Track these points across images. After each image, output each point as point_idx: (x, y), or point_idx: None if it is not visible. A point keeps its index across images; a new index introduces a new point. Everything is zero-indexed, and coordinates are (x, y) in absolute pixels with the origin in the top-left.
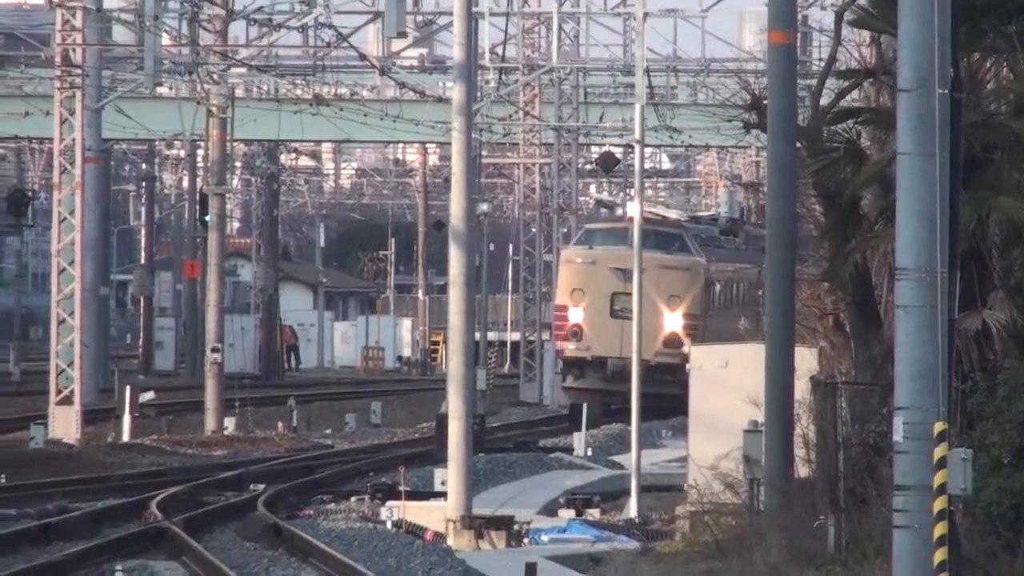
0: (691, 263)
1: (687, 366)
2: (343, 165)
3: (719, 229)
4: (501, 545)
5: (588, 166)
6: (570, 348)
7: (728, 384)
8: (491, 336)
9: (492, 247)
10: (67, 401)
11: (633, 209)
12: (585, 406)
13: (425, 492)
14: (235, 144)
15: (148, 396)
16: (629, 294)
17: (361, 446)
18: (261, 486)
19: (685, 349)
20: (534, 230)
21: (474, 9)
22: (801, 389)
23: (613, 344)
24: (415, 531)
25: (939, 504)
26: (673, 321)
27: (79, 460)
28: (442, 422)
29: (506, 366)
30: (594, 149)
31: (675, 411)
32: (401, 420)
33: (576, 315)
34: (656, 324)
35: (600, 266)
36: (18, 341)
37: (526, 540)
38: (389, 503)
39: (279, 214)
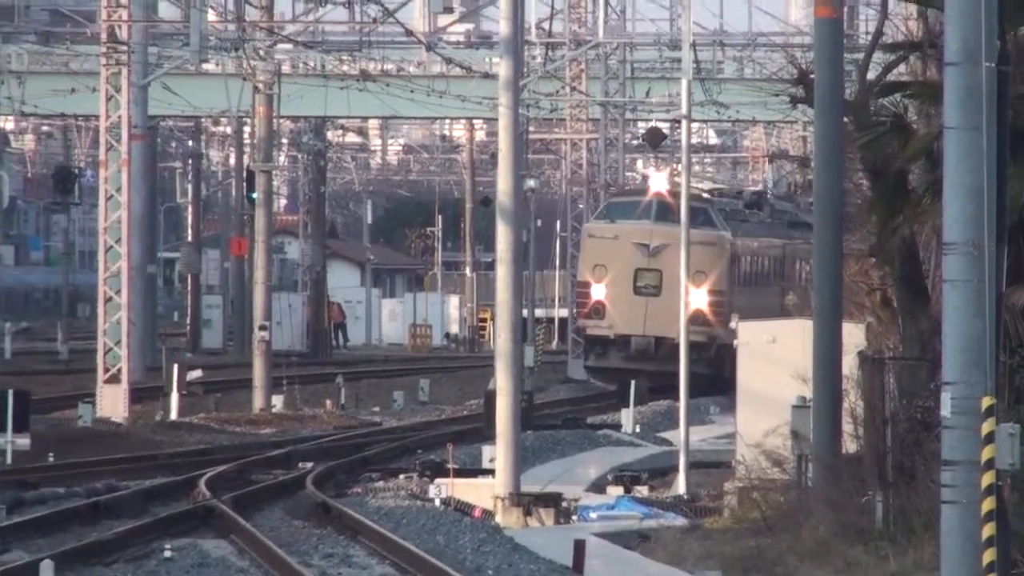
0: (716, 238)
1: (734, 343)
2: (390, 141)
3: (743, 203)
4: (549, 522)
5: (635, 141)
6: (592, 326)
7: (776, 360)
8: (539, 313)
9: (539, 223)
10: (115, 379)
11: (658, 182)
12: (633, 384)
13: (473, 469)
14: (281, 121)
15: (196, 374)
16: (653, 270)
17: (409, 423)
18: (309, 464)
19: (712, 327)
20: (581, 206)
21: None
22: (849, 364)
23: (636, 322)
24: (463, 509)
25: (987, 479)
26: (698, 298)
27: (127, 439)
28: (490, 399)
29: (554, 343)
30: (641, 124)
31: (702, 391)
32: (449, 397)
33: (598, 292)
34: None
35: (623, 241)
36: (65, 319)
37: (574, 517)
38: (437, 481)
39: (326, 191)
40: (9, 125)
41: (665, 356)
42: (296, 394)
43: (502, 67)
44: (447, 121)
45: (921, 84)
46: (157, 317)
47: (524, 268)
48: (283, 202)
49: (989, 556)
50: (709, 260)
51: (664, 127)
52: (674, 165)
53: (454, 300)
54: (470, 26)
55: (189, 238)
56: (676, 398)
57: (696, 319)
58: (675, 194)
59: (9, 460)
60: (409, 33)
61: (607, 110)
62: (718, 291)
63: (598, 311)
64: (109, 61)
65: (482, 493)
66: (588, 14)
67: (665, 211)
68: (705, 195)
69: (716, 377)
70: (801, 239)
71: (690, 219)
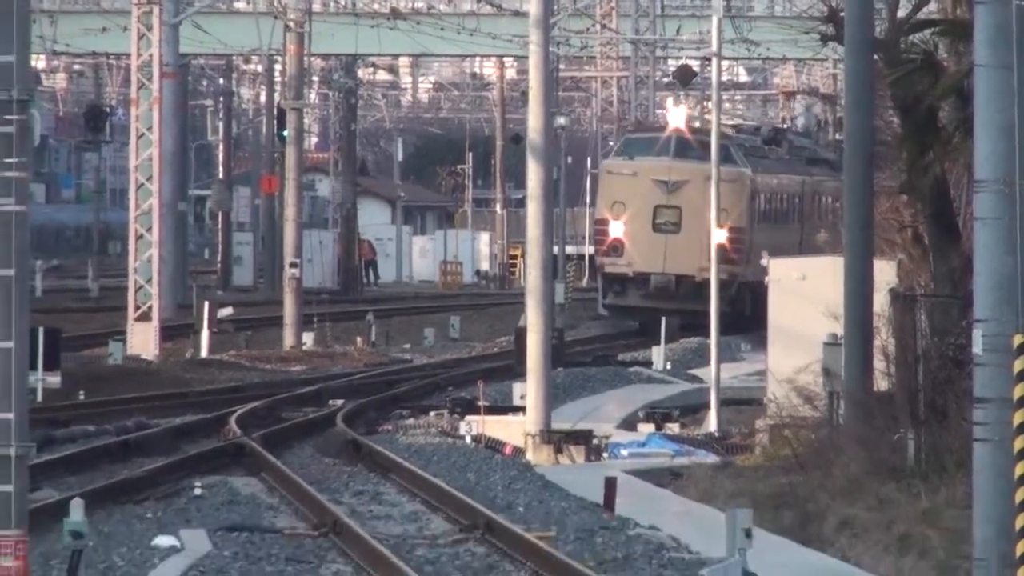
0: (736, 175)
1: (765, 279)
2: (420, 79)
3: (761, 139)
4: (580, 459)
5: (665, 79)
6: (610, 264)
7: (807, 297)
8: (569, 250)
9: (570, 160)
10: (145, 317)
11: (677, 117)
12: (664, 320)
13: (504, 407)
14: (312, 59)
15: (226, 312)
16: (673, 207)
17: (440, 361)
18: (340, 401)
19: (733, 264)
20: (611, 143)
21: None
22: (880, 302)
23: (656, 260)
24: (494, 446)
25: (1019, 417)
26: (719, 235)
27: (157, 376)
28: (520, 336)
29: (584, 280)
30: (671, 62)
31: (724, 330)
32: (479, 334)
33: (616, 229)
34: (703, 238)
35: (641, 178)
36: (96, 257)
37: (605, 454)
38: (468, 418)
39: (357, 129)
40: (40, 64)
41: (685, 294)
42: (327, 331)
43: (532, 5)
44: (477, 59)
45: (951, 22)
46: (188, 255)
47: (555, 205)
48: (314, 140)
49: (1021, 494)
50: (729, 197)
51: (694, 65)
52: (704, 102)
53: (484, 237)
54: None
55: (220, 176)
56: (701, 335)
57: (717, 257)
58: (694, 129)
59: (40, 398)
60: None
61: (637, 48)
62: (739, 228)
63: (616, 248)
64: (140, 0)
65: (513, 430)
66: None
67: (684, 147)
68: (725, 131)
69: (738, 316)
70: (821, 175)
71: (709, 154)
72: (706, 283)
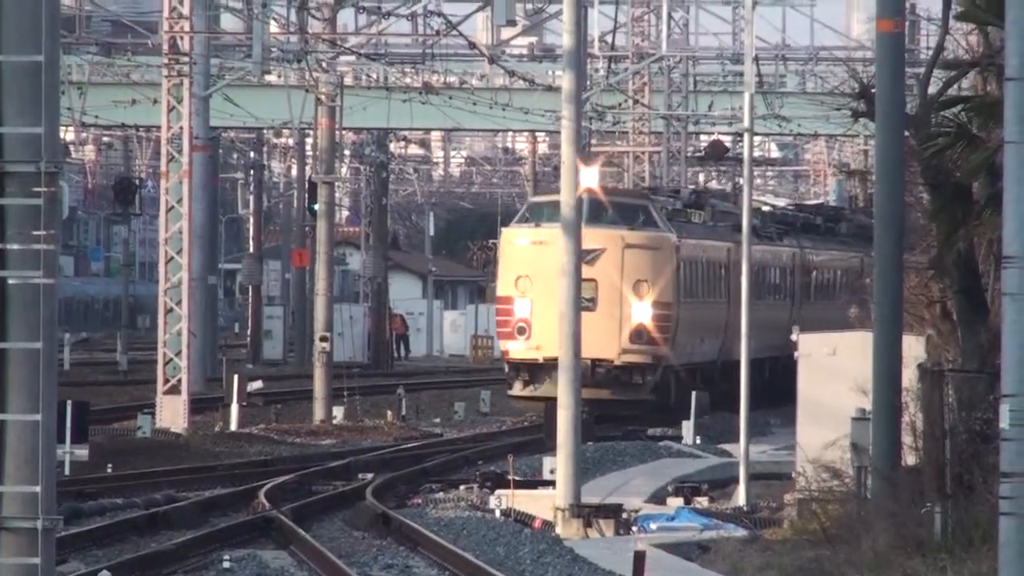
0: (661, 240)
1: (795, 354)
2: (452, 153)
3: (682, 202)
4: (609, 533)
5: (697, 154)
6: (517, 348)
7: (836, 372)
8: None
9: None
10: (175, 390)
11: (589, 177)
12: (694, 395)
13: (534, 481)
14: (344, 132)
15: (256, 385)
16: (588, 280)
17: (470, 435)
18: (370, 475)
19: (657, 345)
20: None
21: None
22: (909, 377)
23: None
24: (524, 520)
25: None
26: (641, 311)
27: (187, 449)
28: (551, 411)
29: None
30: (703, 137)
31: (643, 420)
32: (510, 409)
33: (523, 308)
34: (620, 315)
35: (551, 248)
36: (125, 330)
37: (634, 528)
38: (498, 492)
39: (388, 202)
40: (70, 136)
41: (603, 381)
42: (357, 405)
43: (565, 80)
44: (510, 133)
45: (981, 99)
46: (218, 328)
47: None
48: (345, 214)
49: None
50: (653, 266)
51: (726, 140)
52: (736, 178)
53: None
54: (533, 39)
55: (251, 249)
56: (622, 429)
57: (639, 337)
58: (608, 190)
59: (68, 471)
60: (472, 46)
61: (670, 123)
62: (664, 303)
63: (523, 330)
64: (171, 72)
65: (542, 504)
66: (651, 27)
67: (598, 210)
68: (643, 191)
69: (661, 405)
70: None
71: (629, 218)
72: (626, 368)
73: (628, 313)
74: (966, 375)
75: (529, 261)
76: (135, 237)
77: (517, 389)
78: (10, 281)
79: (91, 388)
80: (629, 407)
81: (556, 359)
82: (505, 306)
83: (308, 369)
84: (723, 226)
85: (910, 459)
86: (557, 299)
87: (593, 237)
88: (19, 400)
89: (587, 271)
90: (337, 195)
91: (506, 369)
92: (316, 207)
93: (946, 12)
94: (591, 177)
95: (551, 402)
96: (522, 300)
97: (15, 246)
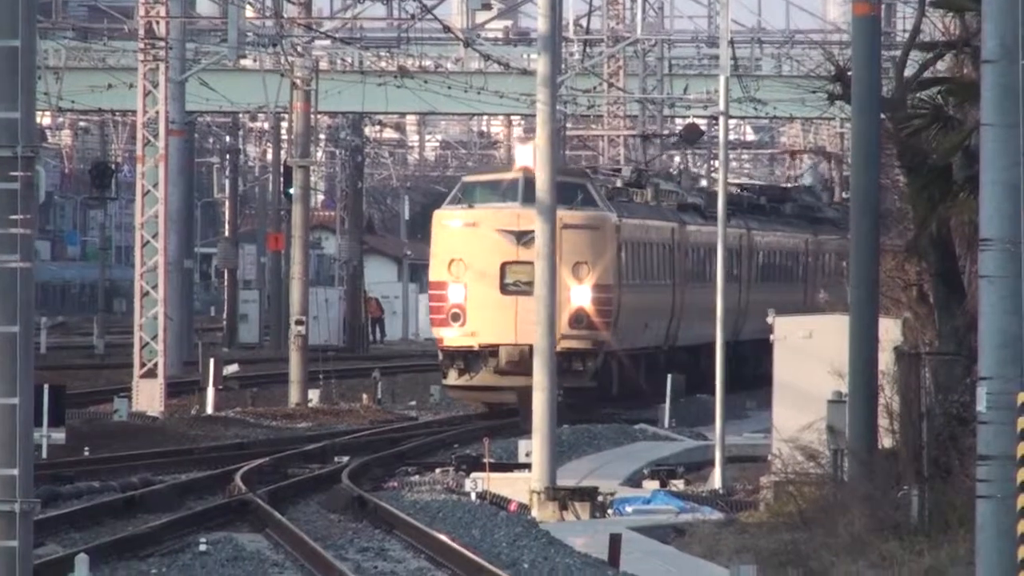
0: (600, 220)
1: (770, 337)
2: (427, 137)
3: (622, 180)
4: (585, 516)
5: (672, 138)
6: (451, 336)
7: (812, 355)
8: None
9: None
10: (151, 374)
11: (524, 155)
12: (670, 378)
13: (509, 463)
14: (319, 116)
15: (232, 369)
16: (524, 263)
17: (445, 417)
18: (345, 458)
19: (597, 330)
20: None
21: None
22: (885, 360)
23: (506, 329)
24: (499, 502)
25: (1022, 475)
26: (580, 295)
27: (163, 433)
28: (526, 394)
29: None
30: (678, 121)
31: (583, 410)
32: None
33: (456, 293)
34: (558, 299)
35: (485, 229)
36: (102, 314)
37: (610, 511)
38: (473, 475)
39: (363, 186)
40: (46, 120)
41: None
42: (332, 388)
43: (540, 63)
44: (485, 117)
45: (957, 81)
46: (193, 312)
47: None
48: (320, 197)
49: None
50: (593, 247)
51: (702, 123)
52: (712, 161)
53: None
54: (508, 23)
55: (226, 233)
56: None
57: (579, 321)
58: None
59: (45, 454)
60: (447, 29)
61: (645, 106)
62: (604, 285)
63: (457, 317)
64: (147, 57)
65: (518, 487)
66: (626, 11)
67: (535, 190)
68: (583, 170)
69: (602, 393)
70: (693, 223)
71: (567, 197)
72: (566, 354)
73: (567, 297)
74: (943, 358)
75: (462, 244)
76: (111, 221)
77: (452, 378)
78: None
79: (68, 372)
80: (569, 395)
81: (492, 346)
82: (438, 291)
83: (284, 353)
84: (667, 206)
85: (886, 442)
86: (492, 284)
87: (530, 218)
88: None
89: (524, 253)
90: (312, 179)
91: (440, 357)
92: (291, 191)
93: None
94: (526, 155)
95: (524, 390)
96: (456, 285)
97: None
